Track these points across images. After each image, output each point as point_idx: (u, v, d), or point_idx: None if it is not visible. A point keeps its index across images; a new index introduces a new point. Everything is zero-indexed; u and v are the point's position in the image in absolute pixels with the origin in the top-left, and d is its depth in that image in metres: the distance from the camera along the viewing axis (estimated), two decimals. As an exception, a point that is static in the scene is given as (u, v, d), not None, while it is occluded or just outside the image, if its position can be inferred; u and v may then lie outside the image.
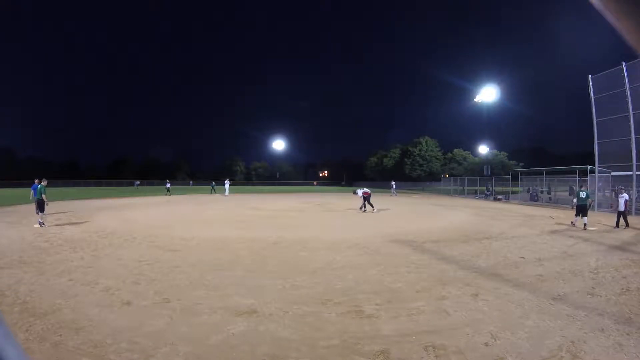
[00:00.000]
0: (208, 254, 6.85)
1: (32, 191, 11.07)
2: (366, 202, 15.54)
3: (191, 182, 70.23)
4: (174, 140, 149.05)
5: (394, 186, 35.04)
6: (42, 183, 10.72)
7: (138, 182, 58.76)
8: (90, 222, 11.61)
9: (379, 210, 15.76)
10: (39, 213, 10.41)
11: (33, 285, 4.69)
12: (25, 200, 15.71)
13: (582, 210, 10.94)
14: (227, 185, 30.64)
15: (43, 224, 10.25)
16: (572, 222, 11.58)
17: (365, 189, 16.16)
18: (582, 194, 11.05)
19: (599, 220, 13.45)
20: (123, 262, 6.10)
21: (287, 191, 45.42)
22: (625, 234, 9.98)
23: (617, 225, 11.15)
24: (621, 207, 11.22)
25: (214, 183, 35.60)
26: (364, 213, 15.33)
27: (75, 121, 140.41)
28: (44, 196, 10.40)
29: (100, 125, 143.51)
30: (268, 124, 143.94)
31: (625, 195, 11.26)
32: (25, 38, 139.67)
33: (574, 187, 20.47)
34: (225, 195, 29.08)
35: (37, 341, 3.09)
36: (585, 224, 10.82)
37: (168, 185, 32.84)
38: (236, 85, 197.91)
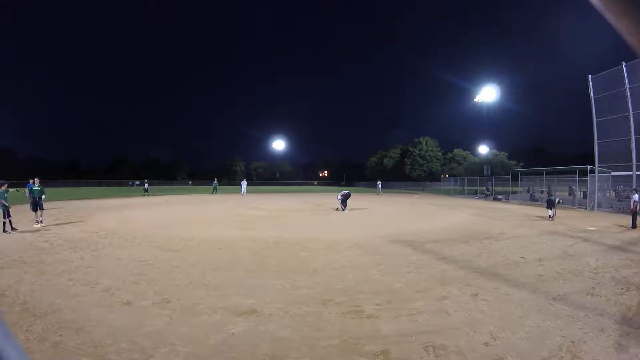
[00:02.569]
0: (208, 254, 6.86)
1: (26, 190, 11.10)
2: (341, 202, 16.16)
3: (190, 182, 70.09)
4: (174, 140, 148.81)
5: (380, 185, 38.63)
6: (32, 182, 10.73)
7: (138, 182, 58.54)
8: (90, 222, 11.61)
9: (350, 210, 15.96)
10: (36, 212, 10.40)
11: (33, 285, 4.69)
12: (25, 200, 15.71)
13: (551, 204, 13.20)
14: (244, 185, 33.14)
15: (40, 222, 10.24)
16: (549, 216, 13.03)
17: (344, 191, 17.02)
18: (552, 197, 13.61)
19: (615, 221, 13.43)
20: (123, 262, 6.10)
21: (287, 191, 45.42)
22: (626, 235, 9.98)
23: (634, 225, 11.16)
24: (631, 207, 11.33)
25: (216, 182, 33.86)
26: (364, 213, 15.36)
27: (75, 121, 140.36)
28: (25, 190, 10.44)
29: (100, 125, 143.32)
30: (268, 124, 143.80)
31: (636, 196, 11.25)
32: (26, 38, 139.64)
33: (573, 187, 20.49)
34: (243, 195, 30.99)
35: (37, 341, 3.09)
36: (550, 215, 13.00)
37: (146, 185, 30.83)
38: (236, 85, 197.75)
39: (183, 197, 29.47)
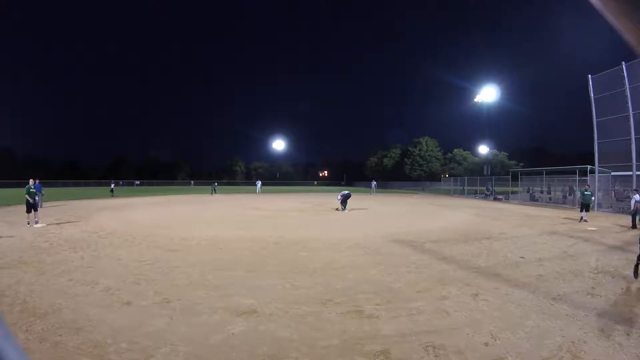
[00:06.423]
0: (208, 254, 6.86)
1: (35, 190, 11.10)
2: (341, 203, 16.20)
3: (192, 182, 70.17)
4: (174, 140, 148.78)
5: (374, 185, 40.24)
6: (37, 183, 10.74)
7: (138, 183, 58.54)
8: (90, 222, 11.61)
9: (350, 210, 16.02)
10: (31, 212, 10.38)
11: (33, 285, 4.69)
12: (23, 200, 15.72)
13: (585, 206, 12.49)
14: (259, 185, 37.97)
15: (30, 223, 10.24)
16: (581, 218, 12.54)
17: (344, 192, 16.94)
18: (588, 192, 12.61)
19: (615, 221, 13.41)
20: (123, 262, 6.10)
21: (287, 191, 45.42)
22: (626, 235, 9.98)
23: (634, 226, 11.12)
24: (632, 207, 11.32)
25: (216, 184, 36.02)
26: (364, 213, 15.38)
27: (75, 121, 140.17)
28: (26, 196, 10.39)
29: (100, 125, 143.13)
30: (268, 124, 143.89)
31: (637, 196, 11.22)
32: (26, 38, 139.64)
33: (574, 187, 20.49)
34: (258, 193, 34.74)
35: (37, 341, 3.09)
36: (584, 218, 12.44)
37: (112, 185, 30.28)
38: (236, 85, 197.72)
39: (182, 197, 29.47)
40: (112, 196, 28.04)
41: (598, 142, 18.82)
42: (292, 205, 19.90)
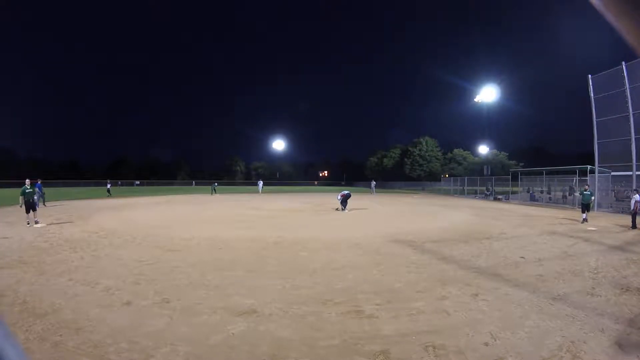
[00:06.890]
0: (208, 254, 6.85)
1: (36, 189, 11.11)
2: (341, 203, 16.24)
3: (194, 182, 70.14)
4: (174, 140, 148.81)
5: (373, 185, 40.62)
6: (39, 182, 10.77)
7: (138, 183, 58.54)
8: (90, 222, 11.61)
9: (350, 210, 16.05)
10: (30, 212, 10.38)
11: (33, 285, 4.69)
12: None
13: (585, 206, 12.40)
14: (260, 184, 38.94)
15: (29, 223, 10.25)
16: (583, 219, 12.33)
17: (344, 192, 16.94)
18: (587, 192, 12.51)
19: (615, 221, 13.41)
20: (123, 262, 6.10)
21: (287, 191, 45.41)
22: (626, 235, 9.98)
23: (634, 226, 11.10)
24: (632, 207, 11.31)
25: (216, 184, 36.03)
26: (364, 213, 15.39)
27: (75, 121, 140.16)
28: (20, 197, 10.41)
29: (100, 125, 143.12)
30: (268, 124, 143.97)
31: (637, 196, 11.21)
32: (25, 38, 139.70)
33: (574, 187, 20.49)
34: (259, 194, 35.24)
35: (37, 341, 3.09)
36: (585, 218, 12.23)
37: (109, 185, 30.72)
38: (236, 85, 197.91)
39: (182, 197, 29.47)
40: (110, 196, 28.03)
41: (598, 142, 18.81)
42: (292, 205, 19.90)
